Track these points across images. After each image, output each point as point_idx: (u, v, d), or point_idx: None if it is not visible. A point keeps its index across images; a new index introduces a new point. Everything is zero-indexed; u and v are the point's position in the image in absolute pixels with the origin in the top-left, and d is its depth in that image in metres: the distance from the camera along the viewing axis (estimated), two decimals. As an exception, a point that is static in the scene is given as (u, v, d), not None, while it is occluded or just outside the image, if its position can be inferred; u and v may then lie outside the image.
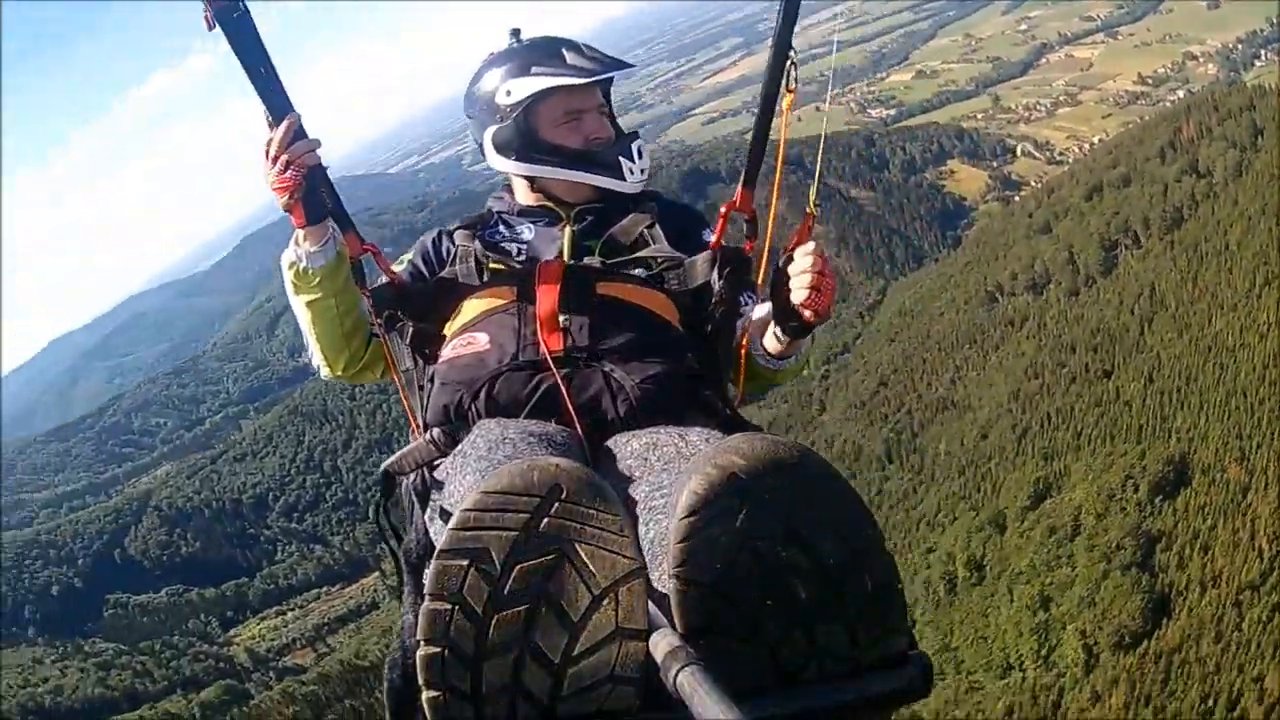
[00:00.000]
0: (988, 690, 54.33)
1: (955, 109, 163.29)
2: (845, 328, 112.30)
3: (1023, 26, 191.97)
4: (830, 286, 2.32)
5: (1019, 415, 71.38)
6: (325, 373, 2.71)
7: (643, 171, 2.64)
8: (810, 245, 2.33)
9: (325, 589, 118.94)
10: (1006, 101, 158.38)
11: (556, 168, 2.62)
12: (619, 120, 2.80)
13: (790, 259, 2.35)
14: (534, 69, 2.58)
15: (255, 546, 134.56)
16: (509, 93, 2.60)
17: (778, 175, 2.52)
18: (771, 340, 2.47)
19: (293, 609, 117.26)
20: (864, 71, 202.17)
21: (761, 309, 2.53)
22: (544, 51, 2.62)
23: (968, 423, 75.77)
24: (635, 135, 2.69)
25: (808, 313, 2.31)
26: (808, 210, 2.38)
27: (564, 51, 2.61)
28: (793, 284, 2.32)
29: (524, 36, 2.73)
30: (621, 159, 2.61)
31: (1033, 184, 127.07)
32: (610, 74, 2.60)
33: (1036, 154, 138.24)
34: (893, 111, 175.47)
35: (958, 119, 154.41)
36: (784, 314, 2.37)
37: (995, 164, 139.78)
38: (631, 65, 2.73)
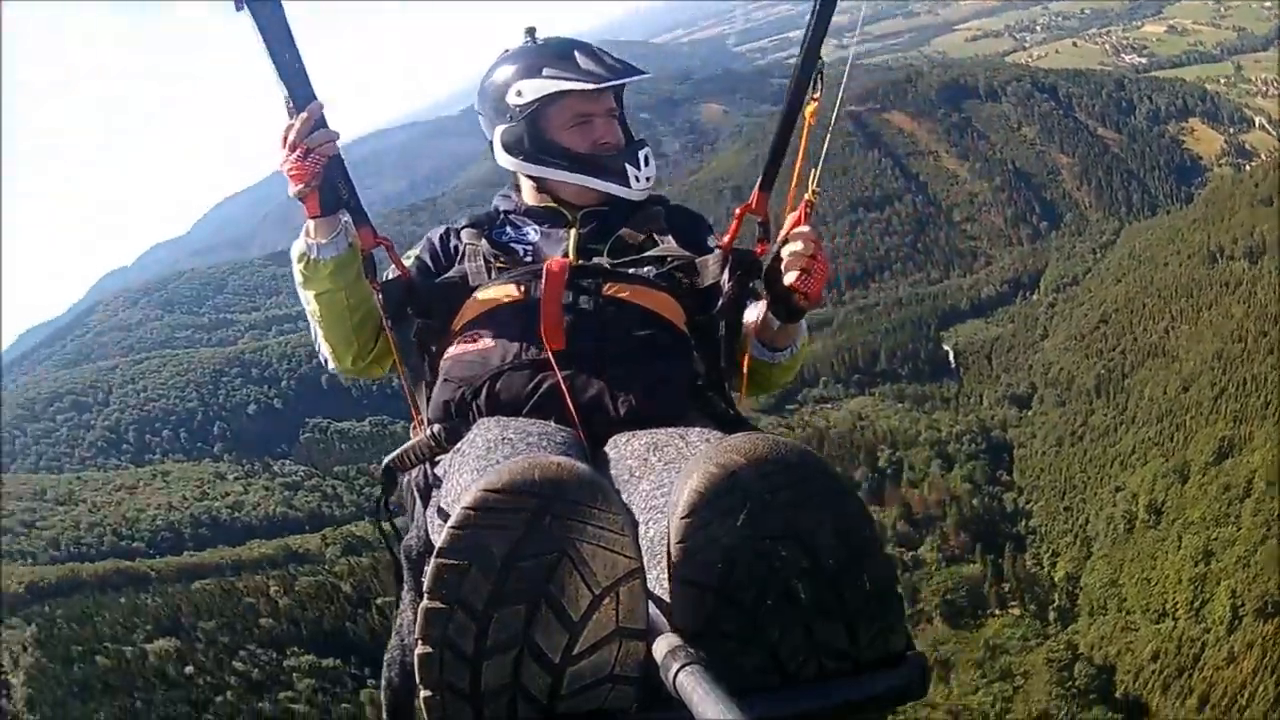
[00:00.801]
0: (1141, 633, 56.85)
1: (1201, 69, 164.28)
2: (1078, 260, 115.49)
3: (1268, 3, 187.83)
4: (822, 271, 2.33)
5: (1219, 375, 73.13)
6: (333, 365, 2.69)
7: (648, 179, 2.63)
8: (806, 229, 2.34)
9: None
10: (1248, 73, 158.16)
11: (563, 171, 2.63)
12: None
13: (785, 240, 2.35)
14: (545, 70, 2.58)
15: None
16: (519, 93, 2.60)
17: (794, 179, 2.45)
18: (767, 328, 2.49)
19: None
20: (1121, 17, 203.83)
21: (757, 307, 2.54)
22: (556, 53, 2.62)
23: (1173, 373, 78.17)
24: (643, 143, 2.69)
25: (798, 295, 2.32)
26: (806, 195, 2.37)
27: (576, 54, 2.60)
28: (785, 266, 2.33)
29: (539, 36, 2.72)
30: (628, 166, 2.61)
31: (1263, 156, 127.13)
32: (621, 81, 2.60)
33: (1270, 129, 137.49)
34: (1143, 60, 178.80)
35: (1202, 79, 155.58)
36: (777, 297, 2.38)
37: (1232, 130, 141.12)
38: (644, 73, 2.71)
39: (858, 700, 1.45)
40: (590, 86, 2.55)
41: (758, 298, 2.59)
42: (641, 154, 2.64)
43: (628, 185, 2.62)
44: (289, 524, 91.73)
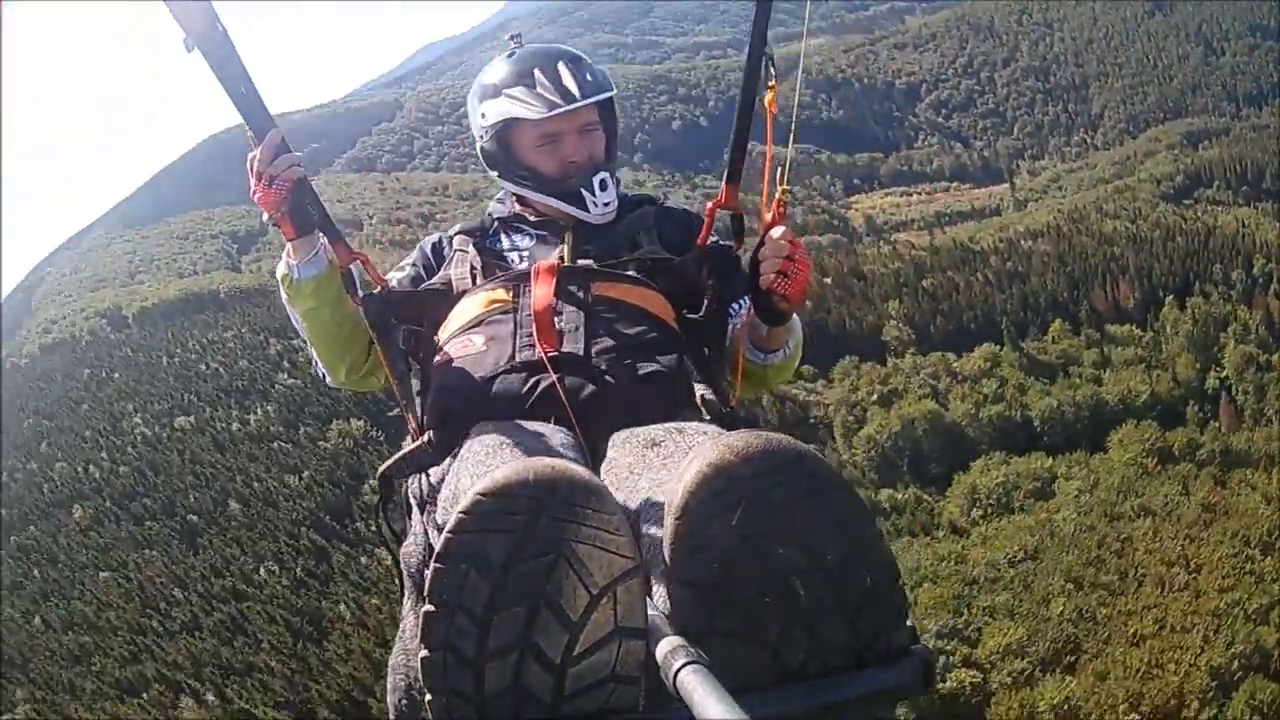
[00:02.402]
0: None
1: None
2: None
3: None
4: (802, 271, 2.28)
5: None
6: (330, 380, 2.71)
7: (606, 204, 2.58)
8: (780, 229, 2.30)
9: (955, 184, 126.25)
10: None
11: (531, 191, 2.64)
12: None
13: (762, 243, 2.32)
14: (506, 91, 2.58)
15: (897, 129, 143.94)
16: (484, 115, 2.63)
17: (765, 176, 2.40)
18: (755, 332, 2.47)
19: (918, 194, 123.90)
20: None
21: (746, 308, 2.52)
22: (520, 71, 2.59)
23: None
24: (601, 168, 2.61)
25: (777, 298, 2.29)
26: (777, 195, 2.33)
27: (537, 73, 2.56)
28: (763, 269, 2.29)
29: (523, 44, 2.71)
30: (584, 191, 2.57)
31: None
32: (572, 107, 2.54)
33: None
34: None
35: None
36: (759, 301, 2.35)
37: None
38: (609, 93, 2.63)
39: (861, 696, 1.44)
40: (535, 115, 2.53)
41: (743, 291, 2.55)
42: (597, 179, 2.58)
43: (586, 210, 2.58)
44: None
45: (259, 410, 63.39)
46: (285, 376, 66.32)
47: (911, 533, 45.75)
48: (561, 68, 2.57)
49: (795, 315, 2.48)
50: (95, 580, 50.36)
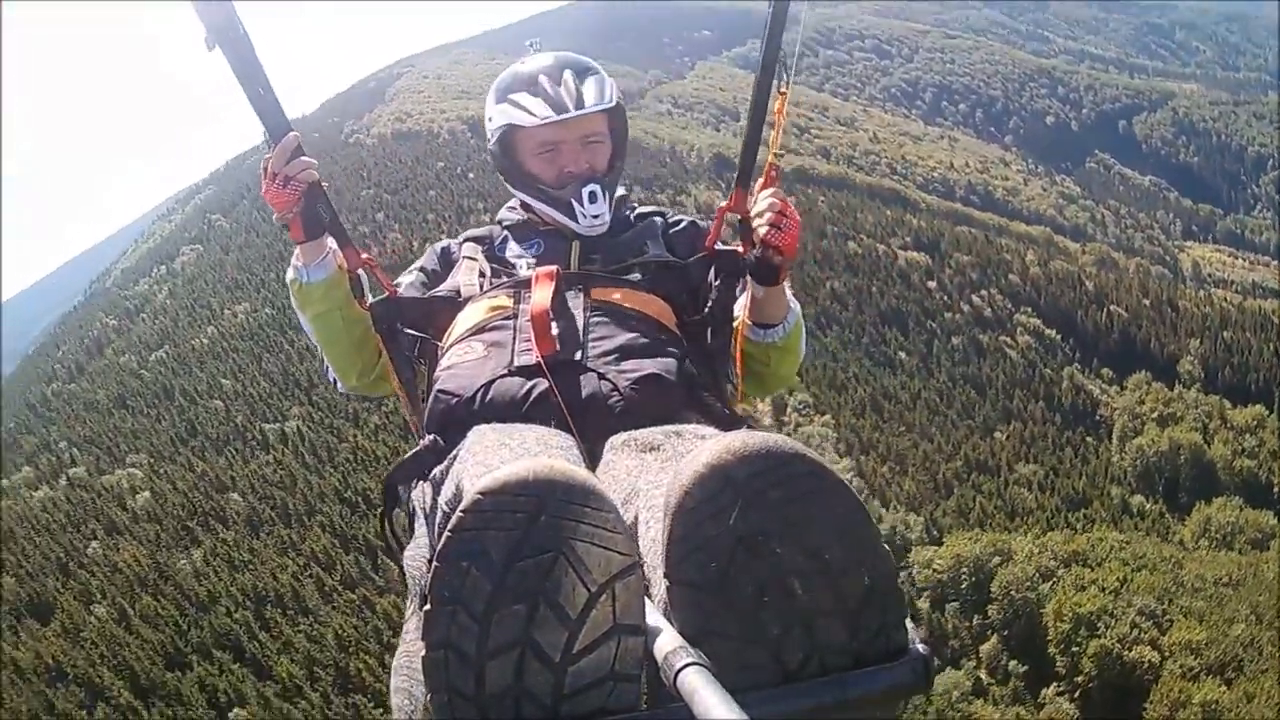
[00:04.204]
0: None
1: None
2: None
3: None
4: (794, 225, 2.35)
5: None
6: (341, 385, 2.73)
7: (595, 217, 2.59)
8: (772, 190, 2.38)
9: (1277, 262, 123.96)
10: None
11: (532, 198, 2.67)
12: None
13: (754, 203, 2.39)
14: (509, 96, 2.61)
15: (1239, 192, 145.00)
16: (490, 118, 2.67)
17: (764, 180, 2.47)
18: (756, 306, 2.49)
19: (1243, 258, 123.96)
20: None
21: (745, 294, 2.56)
22: (526, 78, 2.62)
23: None
24: (591, 180, 2.60)
25: (771, 251, 2.34)
26: (769, 159, 2.39)
27: (542, 79, 2.59)
28: (756, 224, 2.37)
29: (537, 50, 2.73)
30: (574, 202, 2.59)
31: None
32: (561, 118, 2.56)
33: None
34: None
35: None
36: (755, 263, 2.41)
37: None
38: (605, 107, 2.63)
39: (860, 696, 1.43)
40: (527, 123, 2.58)
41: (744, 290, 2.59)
42: (586, 191, 2.59)
43: (575, 221, 2.60)
44: (1055, 224, 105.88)
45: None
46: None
47: (1146, 532, 50.86)
48: (567, 76, 2.59)
49: (795, 303, 2.53)
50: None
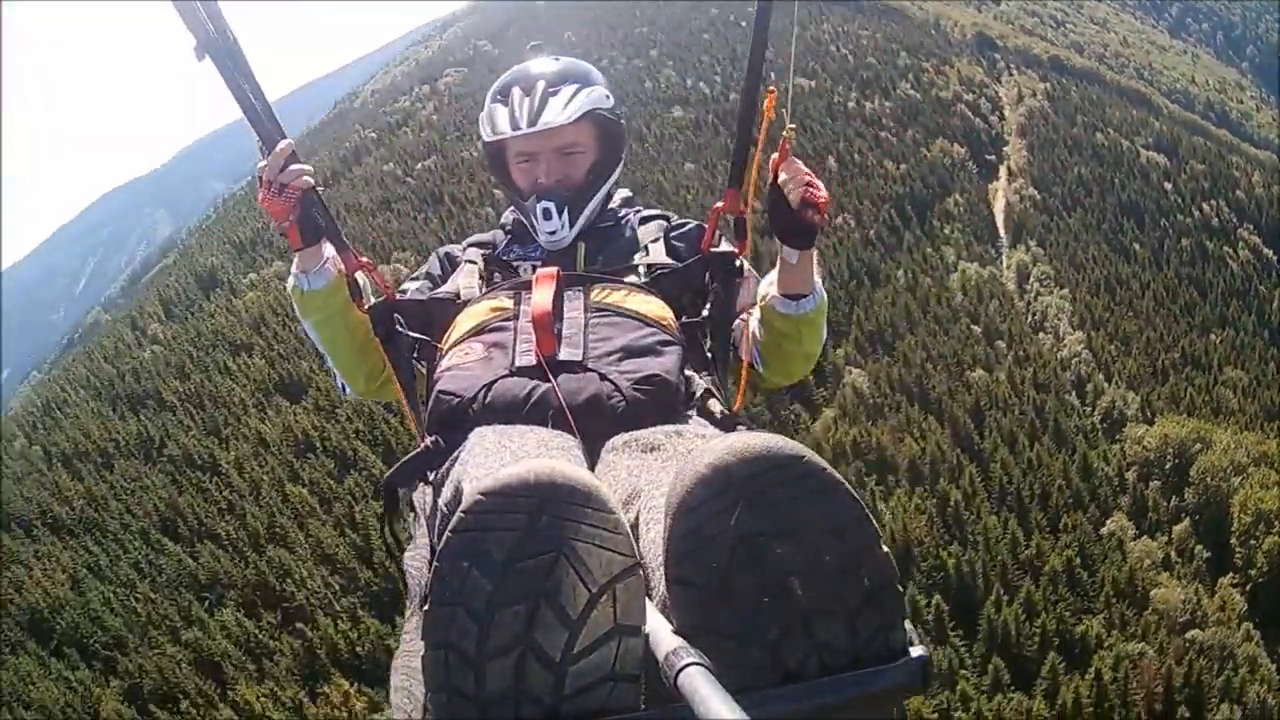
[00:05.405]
0: None
1: None
2: None
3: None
4: (820, 186, 2.34)
5: None
6: (350, 390, 2.74)
7: (550, 234, 2.60)
8: (792, 159, 2.36)
9: None
10: None
11: (515, 205, 2.72)
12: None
13: (777, 175, 2.37)
14: (490, 103, 2.64)
15: None
16: (480, 120, 2.69)
17: (753, 176, 2.48)
18: (785, 273, 2.46)
19: None
20: None
21: (769, 276, 2.54)
22: (502, 86, 2.64)
23: None
24: (546, 197, 2.59)
25: (809, 211, 2.32)
26: (785, 133, 2.38)
27: (514, 90, 2.60)
28: (788, 189, 2.34)
29: (537, 53, 2.73)
30: (531, 217, 2.62)
31: None
32: (511, 135, 2.57)
33: None
34: None
35: None
36: (786, 228, 2.38)
37: None
38: (559, 124, 2.58)
39: (859, 696, 1.44)
40: (488, 137, 2.62)
41: (740, 302, 2.61)
42: (540, 208, 2.59)
43: (537, 234, 2.62)
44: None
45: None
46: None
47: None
48: (539, 88, 2.57)
49: (818, 279, 2.48)
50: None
